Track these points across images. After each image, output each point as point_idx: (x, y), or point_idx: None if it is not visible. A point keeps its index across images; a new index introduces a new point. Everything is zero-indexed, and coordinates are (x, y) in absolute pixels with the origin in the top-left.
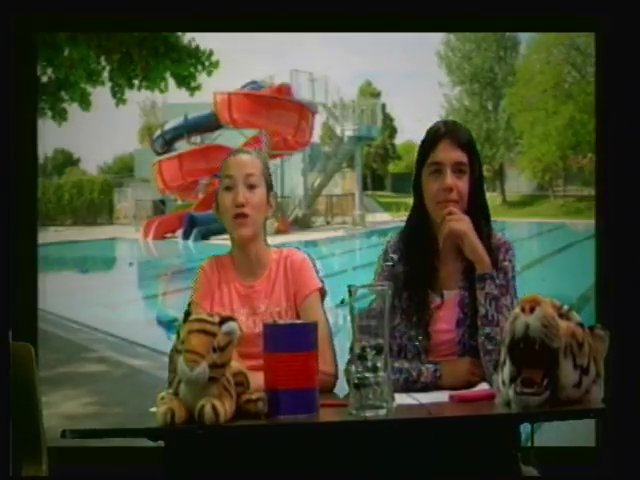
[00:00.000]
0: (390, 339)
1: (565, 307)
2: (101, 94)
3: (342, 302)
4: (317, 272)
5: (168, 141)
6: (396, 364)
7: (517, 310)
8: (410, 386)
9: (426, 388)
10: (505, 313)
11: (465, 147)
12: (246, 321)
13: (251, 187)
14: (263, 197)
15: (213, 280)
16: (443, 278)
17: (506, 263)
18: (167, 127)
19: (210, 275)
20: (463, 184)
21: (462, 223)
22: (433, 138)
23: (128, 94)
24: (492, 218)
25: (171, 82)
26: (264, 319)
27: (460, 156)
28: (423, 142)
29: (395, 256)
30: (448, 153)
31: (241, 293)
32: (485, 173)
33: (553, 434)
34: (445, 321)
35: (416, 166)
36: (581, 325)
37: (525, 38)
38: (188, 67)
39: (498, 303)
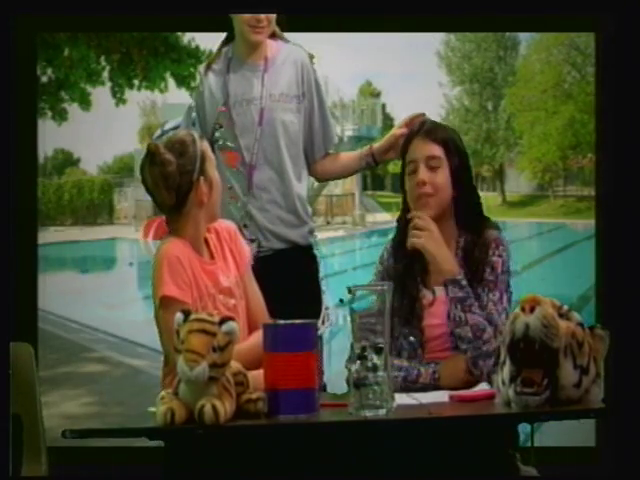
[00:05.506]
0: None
1: (565, 307)
2: (101, 94)
3: (341, 302)
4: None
5: None
6: (396, 362)
7: (517, 310)
8: (409, 385)
9: (425, 389)
10: (491, 308)
11: (439, 142)
12: (224, 299)
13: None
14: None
15: (187, 269)
16: (434, 275)
17: (495, 258)
18: (167, 127)
19: (185, 263)
20: (438, 177)
21: (420, 237)
22: (408, 138)
23: (128, 94)
24: (492, 218)
25: (171, 82)
26: (231, 293)
27: (433, 150)
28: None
29: (390, 258)
30: (421, 149)
31: (207, 271)
32: (485, 173)
33: (553, 434)
34: (437, 316)
35: (401, 168)
36: (581, 325)
37: (525, 38)
38: (188, 67)
39: (464, 304)
